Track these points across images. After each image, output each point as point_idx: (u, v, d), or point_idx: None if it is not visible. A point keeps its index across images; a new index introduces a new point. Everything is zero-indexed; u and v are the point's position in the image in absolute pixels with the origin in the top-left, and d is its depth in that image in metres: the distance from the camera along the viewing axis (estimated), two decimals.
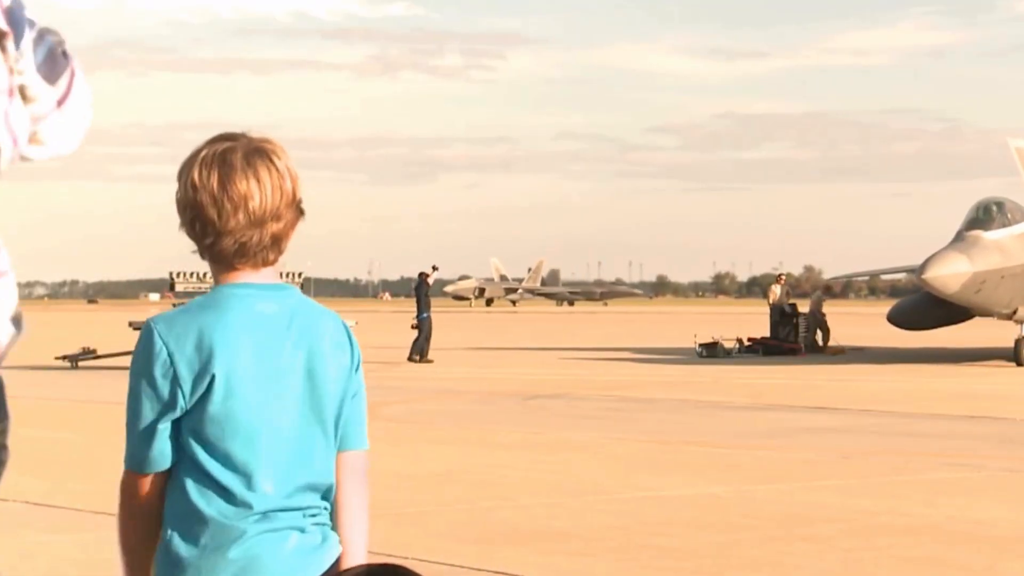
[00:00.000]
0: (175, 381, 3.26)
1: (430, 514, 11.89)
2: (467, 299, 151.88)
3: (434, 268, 41.10)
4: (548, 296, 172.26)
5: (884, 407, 23.20)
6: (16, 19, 2.13)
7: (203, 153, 3.32)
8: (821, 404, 23.55)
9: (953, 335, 42.64)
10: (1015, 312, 36.97)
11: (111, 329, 47.04)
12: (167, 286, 37.35)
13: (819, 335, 45.18)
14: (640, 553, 10.18)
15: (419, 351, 36.70)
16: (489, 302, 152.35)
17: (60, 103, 2.22)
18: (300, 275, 38.05)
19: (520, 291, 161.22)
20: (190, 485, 3.29)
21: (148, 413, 3.28)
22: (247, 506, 3.29)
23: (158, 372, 3.26)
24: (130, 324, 30.97)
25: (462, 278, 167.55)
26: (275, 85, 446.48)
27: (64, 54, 2.24)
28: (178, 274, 37.03)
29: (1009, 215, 37.82)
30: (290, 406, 3.35)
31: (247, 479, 3.29)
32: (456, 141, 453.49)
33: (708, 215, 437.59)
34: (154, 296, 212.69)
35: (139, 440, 3.31)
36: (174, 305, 34.28)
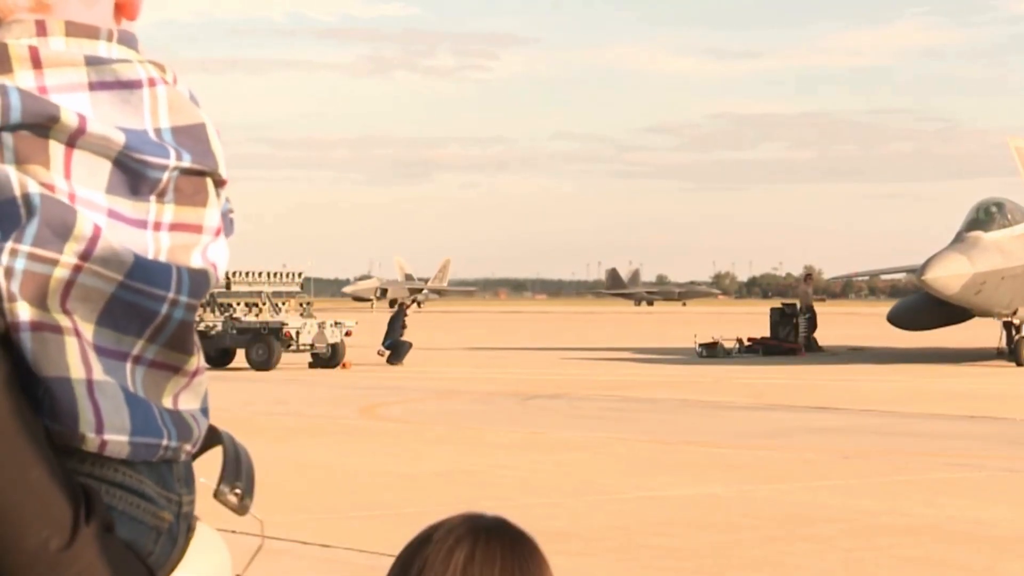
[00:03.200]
0: None
1: (430, 514, 11.75)
2: (368, 300, 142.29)
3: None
4: (627, 296, 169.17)
5: (884, 407, 23.20)
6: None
7: None
8: (821, 404, 23.55)
9: (953, 335, 42.61)
10: (1015, 313, 36.98)
11: None
12: None
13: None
14: (640, 553, 10.17)
15: (391, 348, 36.28)
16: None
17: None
18: (300, 275, 37.89)
19: (425, 291, 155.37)
20: None
21: None
22: None
23: None
24: None
25: (361, 278, 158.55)
26: (270, 85, 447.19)
27: (231, 221, 2.39)
28: None
29: (1009, 216, 37.83)
30: None
31: None
32: (452, 141, 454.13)
33: (707, 215, 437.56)
34: None
35: None
36: None
